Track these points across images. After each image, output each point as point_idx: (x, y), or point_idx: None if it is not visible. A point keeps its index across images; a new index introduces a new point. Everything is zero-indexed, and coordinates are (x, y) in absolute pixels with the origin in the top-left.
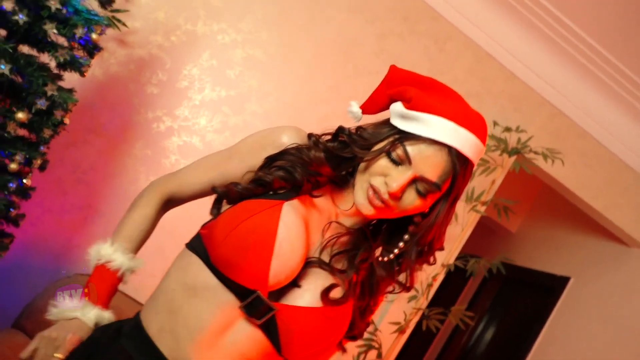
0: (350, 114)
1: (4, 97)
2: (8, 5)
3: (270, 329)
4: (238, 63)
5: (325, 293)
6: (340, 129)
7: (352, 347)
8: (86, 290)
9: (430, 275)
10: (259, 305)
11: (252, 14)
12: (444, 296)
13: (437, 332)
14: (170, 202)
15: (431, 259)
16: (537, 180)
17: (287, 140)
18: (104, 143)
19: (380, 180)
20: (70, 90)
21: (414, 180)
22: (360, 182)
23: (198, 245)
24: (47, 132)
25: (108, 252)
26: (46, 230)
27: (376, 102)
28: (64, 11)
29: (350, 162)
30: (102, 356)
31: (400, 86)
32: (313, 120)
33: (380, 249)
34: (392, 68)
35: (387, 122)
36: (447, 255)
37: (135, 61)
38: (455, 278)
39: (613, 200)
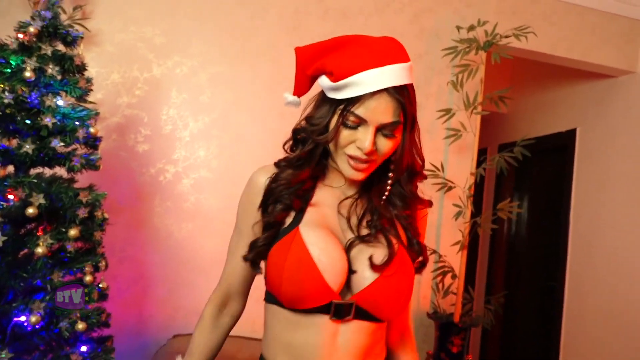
0: (290, 105)
1: (47, 223)
2: (12, 144)
3: (363, 314)
4: (206, 86)
5: (372, 266)
6: (294, 131)
7: (429, 279)
8: None
9: (466, 187)
10: (341, 308)
11: (196, 36)
12: (477, 202)
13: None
14: (231, 300)
15: (421, 176)
16: (510, 61)
17: (262, 180)
18: (126, 217)
19: (352, 147)
20: (92, 187)
21: (377, 130)
22: (339, 158)
23: (271, 298)
24: (97, 235)
25: None
26: (123, 313)
27: (302, 85)
28: (58, 122)
29: (318, 151)
30: None
31: (313, 64)
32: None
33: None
34: (297, 50)
35: (324, 98)
36: (471, 164)
37: (114, 130)
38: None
39: (586, 44)
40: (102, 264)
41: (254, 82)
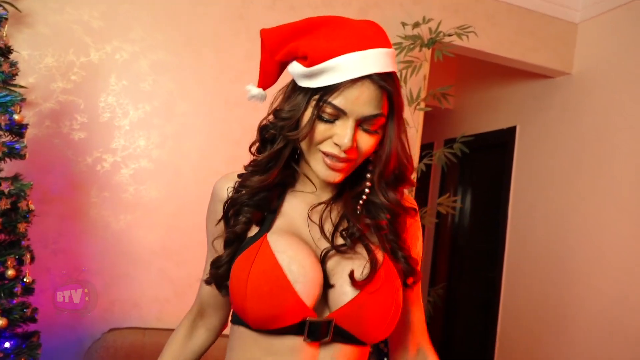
0: (254, 99)
1: None
2: None
3: (343, 336)
4: (147, 73)
5: (353, 283)
6: (261, 129)
7: None
8: None
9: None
10: (317, 327)
11: (137, 20)
12: (422, 196)
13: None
14: (206, 316)
15: (408, 185)
16: (455, 59)
17: (224, 189)
18: (60, 207)
19: (329, 144)
20: (17, 177)
21: (358, 124)
22: (312, 157)
23: (236, 319)
24: (21, 227)
25: None
26: (55, 311)
27: (270, 74)
28: None
29: (287, 150)
30: None
31: (284, 47)
32: (240, 97)
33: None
34: (263, 32)
35: (296, 88)
36: (414, 160)
37: (48, 116)
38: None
39: (526, 45)
40: (26, 257)
41: (198, 70)
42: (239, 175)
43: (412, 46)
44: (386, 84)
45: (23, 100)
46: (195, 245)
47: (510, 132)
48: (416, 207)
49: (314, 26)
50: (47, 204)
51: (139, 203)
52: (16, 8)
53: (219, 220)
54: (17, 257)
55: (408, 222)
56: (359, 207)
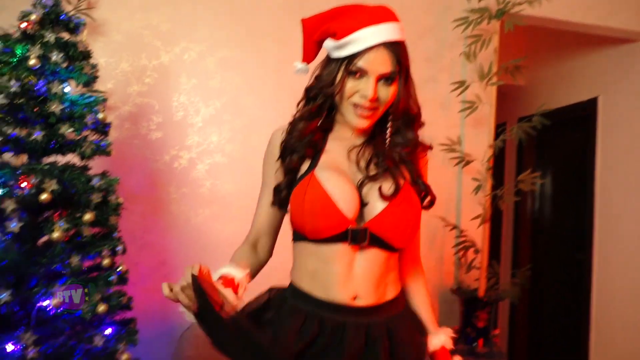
0: (300, 72)
1: (62, 209)
2: (22, 132)
3: (376, 241)
4: (215, 70)
5: (382, 196)
6: (307, 90)
7: (451, 255)
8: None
9: (484, 160)
10: (357, 234)
11: (201, 20)
12: (497, 176)
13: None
14: (261, 240)
15: (419, 122)
16: (524, 29)
17: (279, 136)
18: (143, 205)
19: (357, 97)
20: (104, 173)
21: (377, 80)
22: (345, 109)
23: (297, 236)
24: (112, 219)
25: (223, 270)
26: (146, 300)
27: (310, 51)
28: (66, 109)
29: (327, 104)
30: (280, 312)
31: (319, 29)
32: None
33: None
34: (303, 21)
35: (330, 59)
36: (488, 136)
37: (127, 118)
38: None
39: (604, 7)
40: (119, 248)
41: (261, 64)
42: (289, 124)
43: (479, 20)
44: (395, 49)
45: (105, 100)
46: None
47: (592, 104)
48: (431, 145)
49: (340, 11)
50: (131, 202)
51: (216, 197)
52: (92, 18)
53: (278, 159)
54: (110, 248)
55: (420, 162)
56: (385, 146)
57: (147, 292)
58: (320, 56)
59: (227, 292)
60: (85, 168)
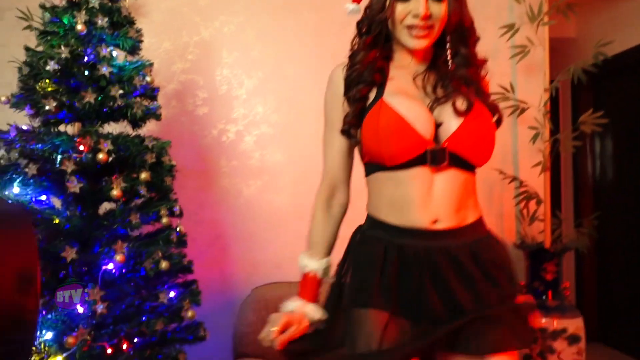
0: (352, 13)
1: (118, 172)
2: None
3: (455, 160)
4: (254, 41)
5: (456, 112)
6: (358, 23)
7: (511, 208)
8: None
9: (541, 106)
10: (436, 154)
11: None
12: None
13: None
14: (337, 191)
15: (474, 35)
16: None
17: (339, 73)
18: (195, 180)
19: (409, 18)
20: (157, 138)
21: None
22: (399, 33)
23: (373, 167)
24: (168, 180)
25: (304, 262)
26: (206, 273)
27: None
28: (115, 72)
29: (383, 32)
30: (363, 246)
31: None
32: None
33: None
34: None
35: None
36: (543, 80)
37: (173, 96)
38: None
39: None
40: (176, 209)
41: (301, 32)
42: (348, 58)
43: None
44: None
45: (151, 64)
46: None
47: None
48: (486, 58)
49: None
50: (183, 178)
51: (265, 167)
52: None
53: (343, 96)
54: (168, 208)
55: (482, 80)
56: (448, 68)
57: (206, 266)
58: None
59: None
60: (138, 136)
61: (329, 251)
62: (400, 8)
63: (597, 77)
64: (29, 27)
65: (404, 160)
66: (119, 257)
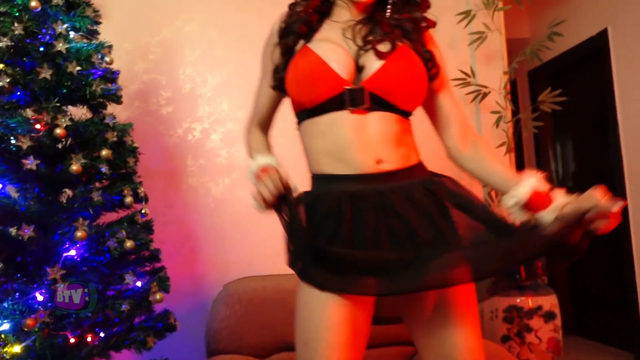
0: None
1: (80, 151)
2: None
3: (379, 103)
4: (217, 39)
5: (377, 54)
6: None
7: (479, 191)
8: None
9: (501, 88)
10: (355, 95)
11: None
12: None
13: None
14: (263, 128)
15: (426, 3)
16: None
17: (277, 24)
18: (162, 181)
19: None
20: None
21: None
22: None
23: (300, 115)
24: (131, 161)
25: (251, 164)
26: (176, 275)
27: None
28: (72, 50)
29: None
30: (320, 203)
31: None
32: None
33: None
34: None
35: None
36: (502, 64)
37: (136, 97)
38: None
39: None
40: (141, 191)
41: (263, 27)
42: (288, 8)
43: None
44: None
45: (110, 46)
46: None
47: (602, 37)
48: (434, 22)
49: None
50: (149, 179)
51: (234, 165)
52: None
53: (276, 45)
54: (132, 188)
55: (425, 35)
56: (385, 18)
57: (176, 268)
58: None
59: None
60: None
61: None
62: None
63: (552, 71)
64: None
65: (322, 99)
66: (79, 234)
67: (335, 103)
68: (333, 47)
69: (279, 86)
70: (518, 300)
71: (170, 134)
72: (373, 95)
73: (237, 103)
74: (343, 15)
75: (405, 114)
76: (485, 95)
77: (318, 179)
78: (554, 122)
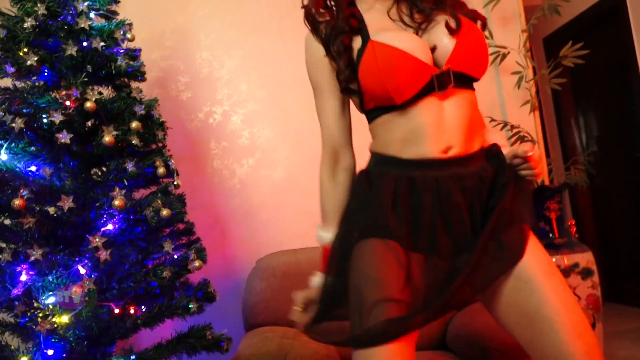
0: None
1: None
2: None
3: (460, 78)
4: (231, 22)
5: (449, 31)
6: None
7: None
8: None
9: (521, 46)
10: (442, 77)
11: None
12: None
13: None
14: (340, 156)
15: None
16: None
17: (313, 40)
18: (187, 165)
19: None
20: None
21: None
22: None
23: (379, 111)
24: (160, 134)
25: (320, 235)
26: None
27: None
28: (94, 26)
29: None
30: (372, 185)
31: None
32: None
33: None
34: None
35: None
36: (519, 22)
37: (155, 84)
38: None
39: None
40: (172, 164)
41: (277, 5)
42: (311, 18)
43: None
44: None
45: (130, 24)
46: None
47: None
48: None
49: None
50: (176, 164)
51: (256, 145)
52: None
53: (325, 54)
54: (163, 160)
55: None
56: None
57: (208, 251)
58: None
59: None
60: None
61: None
62: None
63: (568, 36)
64: None
65: (414, 92)
66: (117, 202)
67: (426, 91)
68: (402, 35)
69: (348, 88)
70: (554, 258)
71: (192, 118)
72: (457, 73)
73: (256, 83)
74: (368, 0)
75: (473, 84)
76: (504, 56)
77: (380, 158)
78: (574, 87)
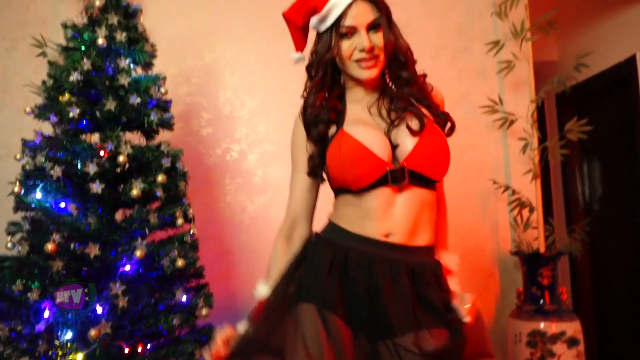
0: (298, 61)
1: (137, 174)
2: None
3: (415, 177)
4: (255, 64)
5: (411, 132)
6: (307, 68)
7: (505, 217)
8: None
9: (528, 116)
10: (396, 173)
11: (238, 17)
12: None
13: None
14: (298, 226)
15: (412, 58)
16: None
17: (298, 121)
18: (201, 198)
19: (356, 53)
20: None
21: (367, 31)
22: (350, 69)
23: (341, 191)
24: (182, 185)
25: (259, 289)
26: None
27: (300, 39)
28: (132, 83)
29: (329, 72)
30: (315, 248)
31: (301, 14)
32: None
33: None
34: (285, 14)
35: (320, 34)
36: (529, 92)
37: (179, 118)
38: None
39: None
40: (190, 212)
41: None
42: (303, 101)
43: None
44: None
45: (164, 78)
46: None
47: (630, 63)
48: (432, 86)
49: None
50: (190, 196)
51: (269, 184)
52: None
53: (307, 138)
54: (182, 210)
55: (435, 99)
56: (393, 89)
57: (214, 281)
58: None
59: None
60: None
61: None
62: (346, 46)
63: (579, 96)
64: (43, 53)
65: (367, 183)
66: (139, 253)
67: (379, 183)
68: (369, 130)
69: (315, 173)
70: (542, 325)
71: (210, 153)
72: (412, 172)
73: (274, 125)
74: (357, 93)
75: (435, 184)
76: (512, 122)
77: (331, 226)
78: (581, 147)
